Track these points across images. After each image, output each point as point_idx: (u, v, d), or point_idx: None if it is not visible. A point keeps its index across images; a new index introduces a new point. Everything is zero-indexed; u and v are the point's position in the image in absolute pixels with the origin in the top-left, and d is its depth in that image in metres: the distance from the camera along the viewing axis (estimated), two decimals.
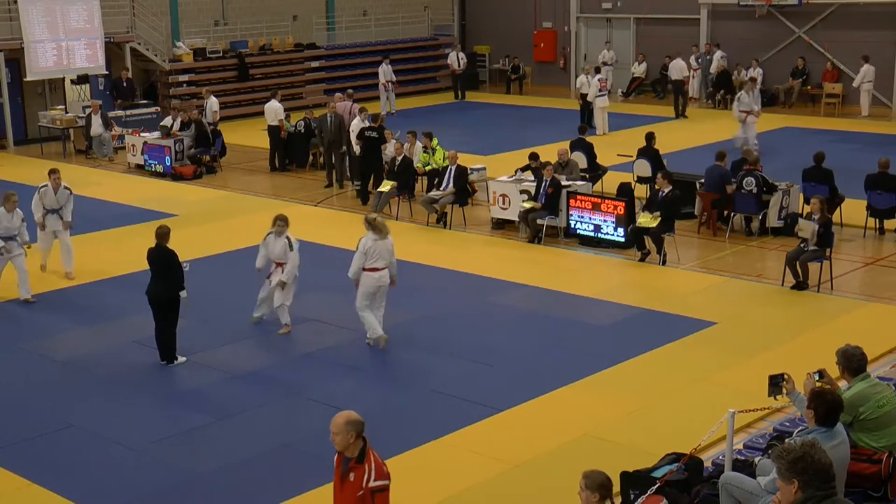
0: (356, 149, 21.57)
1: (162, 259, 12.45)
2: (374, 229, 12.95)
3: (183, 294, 12.42)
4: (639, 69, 36.64)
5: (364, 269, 12.97)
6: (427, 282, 15.95)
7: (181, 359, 12.73)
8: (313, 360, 13.07)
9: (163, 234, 12.58)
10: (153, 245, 12.52)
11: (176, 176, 24.66)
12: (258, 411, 11.46)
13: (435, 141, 21.70)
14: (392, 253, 13.25)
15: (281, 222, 13.85)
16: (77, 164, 26.56)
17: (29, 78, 29.38)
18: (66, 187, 15.81)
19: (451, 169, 19.80)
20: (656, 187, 17.85)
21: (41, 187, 15.89)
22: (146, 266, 12.79)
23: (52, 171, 16.02)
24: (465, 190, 19.79)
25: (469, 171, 20.23)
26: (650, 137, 21.23)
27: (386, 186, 20.15)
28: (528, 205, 18.37)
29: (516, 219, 18.84)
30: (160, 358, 12.72)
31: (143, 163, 25.43)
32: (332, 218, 20.44)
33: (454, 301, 14.36)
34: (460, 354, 12.82)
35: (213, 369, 12.86)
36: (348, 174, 22.89)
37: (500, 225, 19.47)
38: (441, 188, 19.81)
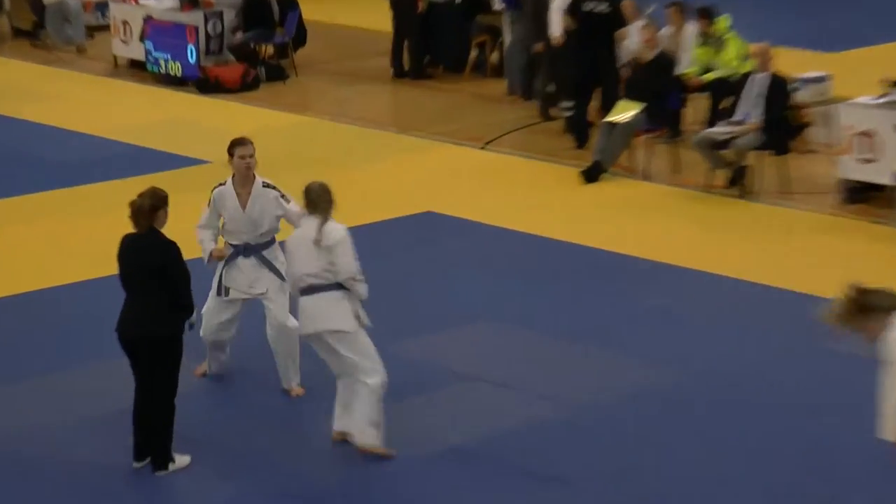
0: (557, 37, 17.27)
1: (144, 259, 9.54)
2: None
3: (191, 320, 9.53)
4: None
5: None
6: (719, 305, 13.03)
7: (175, 465, 9.75)
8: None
9: (145, 210, 9.43)
10: (131, 231, 9.55)
11: (207, 83, 20.08)
12: None
13: (724, 23, 17.47)
14: None
15: None
16: (19, 59, 22.38)
17: None
18: (268, 185, 11.24)
19: (754, 79, 15.90)
20: None
21: (216, 188, 11.43)
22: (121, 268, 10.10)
23: (238, 143, 11.17)
24: (783, 122, 15.89)
25: (792, 86, 16.38)
26: None
27: (625, 111, 16.08)
28: None
29: (892, 182, 15.22)
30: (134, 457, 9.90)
31: (143, 57, 21.01)
32: (513, 173, 16.73)
33: (777, 341, 11.96)
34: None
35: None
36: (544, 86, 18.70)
37: (859, 193, 15.36)
38: (736, 117, 15.99)
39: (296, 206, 10.63)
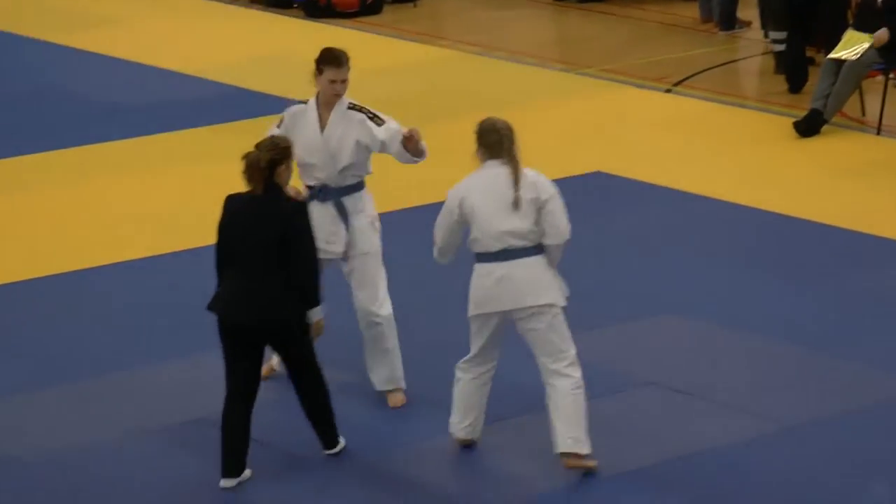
0: None
1: (263, 228, 8.69)
2: None
3: (316, 311, 8.57)
4: None
5: None
6: None
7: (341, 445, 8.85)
8: None
9: (262, 166, 8.59)
10: (238, 192, 8.75)
11: (316, 5, 19.46)
12: None
13: None
14: None
15: None
16: None
17: None
18: (354, 106, 10.09)
19: None
20: None
21: (293, 107, 10.30)
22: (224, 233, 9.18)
23: (332, 61, 9.96)
24: None
25: None
26: None
27: (854, 45, 14.92)
28: None
29: None
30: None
31: None
32: (708, 123, 15.79)
33: None
34: None
35: None
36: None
37: None
38: None
39: (391, 126, 9.35)
